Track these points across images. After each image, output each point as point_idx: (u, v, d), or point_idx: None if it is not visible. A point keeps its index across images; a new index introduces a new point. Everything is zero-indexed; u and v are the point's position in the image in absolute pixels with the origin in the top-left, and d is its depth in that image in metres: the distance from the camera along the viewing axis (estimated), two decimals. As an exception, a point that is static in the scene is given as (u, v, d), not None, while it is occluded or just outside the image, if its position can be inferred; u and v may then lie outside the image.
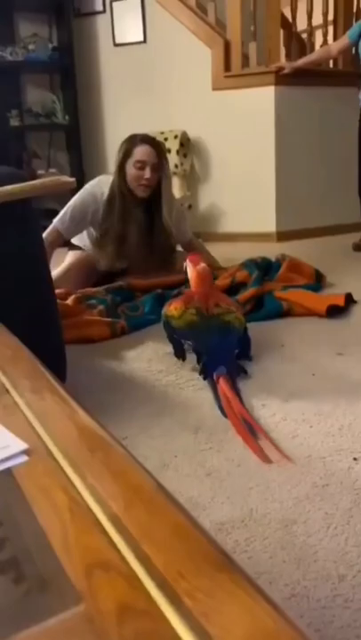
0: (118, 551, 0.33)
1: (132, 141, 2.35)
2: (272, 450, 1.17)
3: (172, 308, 1.67)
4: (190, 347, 1.66)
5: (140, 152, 2.31)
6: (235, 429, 1.27)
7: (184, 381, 1.55)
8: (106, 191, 2.37)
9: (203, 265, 1.74)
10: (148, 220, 2.40)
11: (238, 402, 1.36)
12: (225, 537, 0.92)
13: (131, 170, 2.31)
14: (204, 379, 1.52)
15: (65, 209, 2.41)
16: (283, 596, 0.79)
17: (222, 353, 1.56)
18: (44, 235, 2.36)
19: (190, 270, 1.76)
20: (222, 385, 1.42)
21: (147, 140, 2.36)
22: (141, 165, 2.29)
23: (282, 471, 1.09)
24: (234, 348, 1.61)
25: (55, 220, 2.41)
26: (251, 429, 1.25)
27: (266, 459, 1.14)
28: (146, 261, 2.41)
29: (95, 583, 0.30)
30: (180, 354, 1.69)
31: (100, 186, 2.42)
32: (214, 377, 1.46)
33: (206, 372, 1.52)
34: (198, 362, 1.59)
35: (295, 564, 0.85)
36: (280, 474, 1.08)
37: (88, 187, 2.45)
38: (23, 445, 0.46)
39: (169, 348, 1.74)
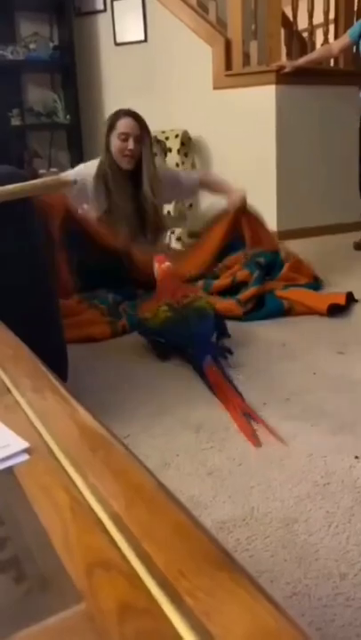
0: (119, 550, 0.33)
1: (116, 115, 2.45)
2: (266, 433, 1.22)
3: (145, 311, 1.72)
4: (171, 344, 1.66)
5: (123, 124, 2.40)
6: (230, 415, 1.31)
7: (185, 381, 1.55)
8: (94, 166, 2.44)
9: (167, 263, 1.87)
10: (137, 193, 2.46)
11: (231, 389, 1.40)
12: (226, 536, 0.92)
13: (115, 142, 2.39)
14: (196, 369, 1.54)
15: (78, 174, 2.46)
16: (284, 595, 0.79)
17: (204, 339, 1.59)
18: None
19: (155, 268, 1.89)
20: (213, 376, 1.45)
21: (129, 113, 2.47)
22: (125, 137, 2.37)
23: (283, 470, 1.09)
24: (213, 332, 1.64)
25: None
26: (245, 414, 1.30)
27: (257, 441, 1.19)
28: (142, 232, 2.47)
29: (96, 582, 0.30)
30: (161, 354, 1.68)
31: (85, 166, 2.50)
32: (204, 368, 1.49)
33: (195, 364, 1.54)
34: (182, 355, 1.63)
35: (296, 562, 0.85)
36: (281, 473, 1.08)
37: (76, 168, 2.53)
38: (24, 444, 0.46)
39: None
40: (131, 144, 2.37)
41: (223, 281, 2.28)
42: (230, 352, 1.60)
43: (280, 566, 0.85)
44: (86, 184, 2.40)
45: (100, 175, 2.41)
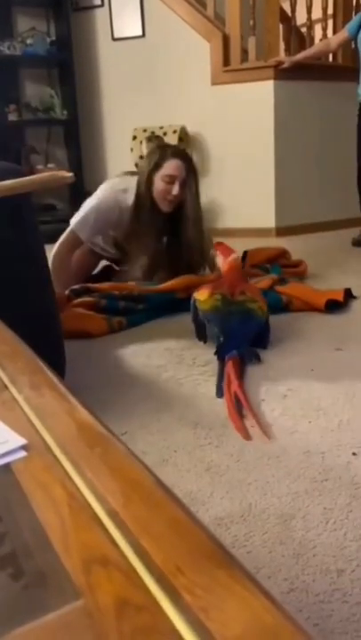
0: (117, 546, 0.33)
1: (164, 153, 2.25)
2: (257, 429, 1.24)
3: (200, 293, 1.76)
4: (213, 330, 1.72)
5: (171, 166, 2.21)
6: (226, 406, 1.34)
7: (183, 377, 1.55)
8: (129, 198, 2.27)
9: (234, 256, 1.87)
10: (172, 234, 2.34)
11: (238, 382, 1.42)
12: (224, 532, 0.92)
13: (158, 183, 2.22)
14: (218, 359, 1.58)
15: (84, 214, 2.31)
16: (281, 591, 0.79)
17: (239, 337, 1.63)
18: (61, 241, 2.32)
19: (221, 260, 1.90)
20: (229, 366, 1.49)
21: (178, 153, 2.28)
22: (170, 180, 2.20)
23: (281, 466, 1.09)
24: (251, 335, 1.69)
25: (73, 224, 2.32)
26: (239, 408, 1.32)
27: (247, 436, 1.22)
28: (172, 272, 2.32)
29: (94, 578, 0.30)
30: (200, 335, 1.79)
31: (120, 191, 2.31)
32: (225, 359, 1.54)
33: (220, 353, 1.59)
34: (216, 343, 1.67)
35: (294, 558, 0.85)
36: (279, 469, 1.09)
37: (108, 191, 2.33)
38: (22, 441, 0.46)
39: (168, 344, 1.74)
40: (176, 189, 2.20)
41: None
42: (259, 359, 1.62)
43: (278, 562, 0.85)
44: (123, 211, 2.25)
45: (137, 208, 2.25)
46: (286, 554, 0.86)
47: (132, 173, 2.43)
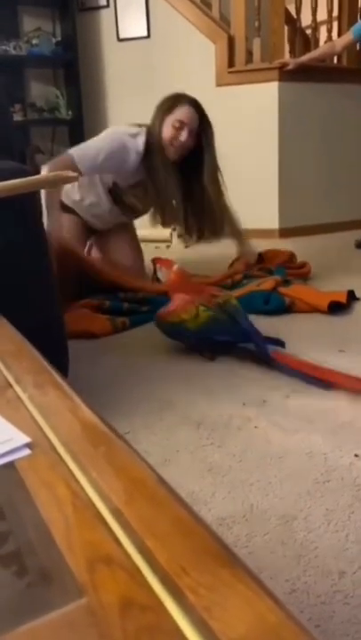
0: (121, 545, 0.33)
1: (177, 99, 2.19)
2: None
3: (179, 314, 1.60)
4: (220, 342, 1.62)
5: (183, 112, 2.16)
6: (333, 382, 1.41)
7: (186, 377, 1.55)
8: (139, 143, 2.18)
9: (176, 266, 1.80)
10: (188, 186, 2.25)
11: (307, 361, 1.48)
12: (226, 532, 0.92)
13: (167, 127, 2.17)
14: (268, 362, 1.54)
15: (89, 149, 2.20)
16: (283, 592, 0.79)
17: (255, 331, 1.60)
18: (54, 167, 2.11)
19: (165, 273, 1.80)
20: (287, 359, 1.50)
21: (192, 101, 2.22)
22: (180, 125, 2.14)
23: (283, 467, 1.09)
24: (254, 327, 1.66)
25: (75, 154, 2.17)
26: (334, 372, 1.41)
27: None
28: (186, 228, 2.32)
29: (97, 577, 0.31)
30: (209, 354, 1.64)
31: (129, 135, 2.23)
32: (272, 356, 1.52)
33: (263, 356, 1.55)
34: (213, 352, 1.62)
35: (296, 559, 0.85)
36: (281, 470, 1.09)
37: (117, 134, 2.24)
38: (26, 439, 0.46)
39: (171, 343, 1.74)
40: (184, 135, 2.15)
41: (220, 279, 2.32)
42: (283, 343, 1.63)
43: (279, 563, 0.85)
44: (131, 156, 2.16)
45: (148, 154, 2.17)
46: (288, 555, 0.86)
47: (138, 125, 2.35)
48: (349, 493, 1.00)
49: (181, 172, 2.26)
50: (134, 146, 2.20)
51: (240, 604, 0.28)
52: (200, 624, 0.27)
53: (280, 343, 1.63)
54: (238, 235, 2.62)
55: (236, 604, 0.28)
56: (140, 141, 2.20)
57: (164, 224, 2.28)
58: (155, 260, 1.86)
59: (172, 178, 2.22)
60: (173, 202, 2.26)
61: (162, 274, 1.83)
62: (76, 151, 2.22)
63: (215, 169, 2.28)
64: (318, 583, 0.81)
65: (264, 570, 0.83)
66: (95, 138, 2.31)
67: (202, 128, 2.20)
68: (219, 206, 2.30)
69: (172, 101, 2.20)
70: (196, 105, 2.22)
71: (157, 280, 1.86)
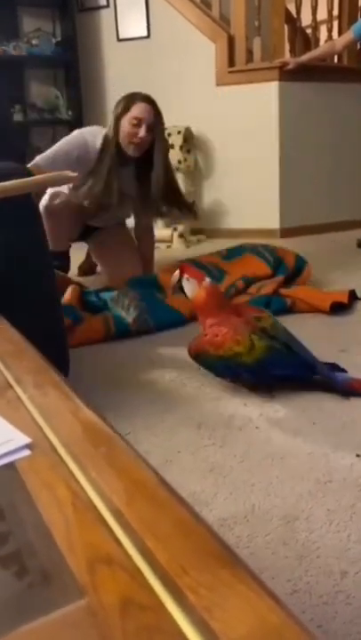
0: (121, 546, 0.33)
1: (132, 98, 2.31)
2: None
3: (231, 346, 1.36)
4: (282, 376, 1.41)
5: (139, 109, 2.26)
6: None
7: (187, 377, 1.55)
8: (97, 141, 2.31)
9: (207, 279, 1.47)
10: (141, 180, 2.36)
11: None
12: (227, 532, 0.92)
13: (125, 126, 2.26)
14: (342, 394, 1.38)
15: (55, 147, 2.33)
16: (285, 592, 0.79)
17: (316, 360, 1.43)
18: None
19: (192, 287, 1.45)
20: (360, 384, 1.38)
21: (146, 98, 2.33)
22: (137, 122, 2.24)
23: (284, 467, 1.09)
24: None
25: (37, 159, 2.31)
26: None
27: None
28: (142, 215, 2.44)
29: (98, 577, 0.30)
30: (268, 389, 1.43)
31: (89, 133, 2.36)
32: (345, 386, 1.38)
33: (336, 387, 1.39)
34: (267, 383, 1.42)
35: (297, 560, 0.85)
36: (283, 470, 1.08)
37: (76, 133, 2.38)
38: (26, 440, 0.46)
39: (172, 344, 1.74)
40: (142, 131, 2.24)
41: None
42: (340, 368, 1.48)
43: (281, 563, 0.85)
44: (89, 152, 2.28)
45: (105, 151, 2.28)
46: (290, 555, 0.86)
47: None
48: (351, 494, 1.00)
49: (137, 165, 2.37)
50: (93, 144, 2.32)
51: (241, 604, 0.28)
52: (200, 624, 0.27)
53: (338, 368, 1.46)
54: (189, 212, 2.75)
55: (237, 604, 0.28)
56: (99, 140, 2.32)
57: (93, 202, 2.34)
58: (182, 268, 1.49)
59: (124, 171, 2.33)
60: (126, 195, 2.36)
61: (189, 287, 1.46)
62: (40, 157, 2.34)
63: (166, 158, 2.38)
64: (320, 583, 0.80)
65: (265, 570, 0.83)
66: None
67: (155, 122, 2.31)
68: (173, 191, 2.41)
69: (128, 100, 2.31)
70: (150, 101, 2.33)
71: (180, 291, 1.49)
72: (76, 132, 2.39)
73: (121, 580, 0.30)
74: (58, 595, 0.30)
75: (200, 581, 0.29)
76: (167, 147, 2.37)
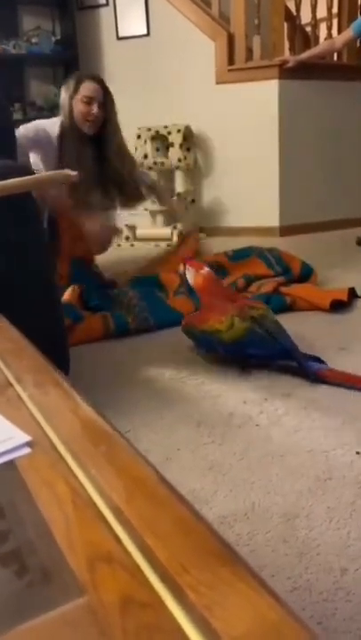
0: (121, 544, 0.33)
1: (79, 78, 2.37)
2: None
3: (213, 323, 1.52)
4: (258, 357, 1.52)
5: (87, 88, 2.34)
6: None
7: (186, 375, 1.55)
8: (55, 127, 2.35)
9: (206, 268, 1.68)
10: (100, 159, 2.41)
11: (351, 373, 1.44)
12: (227, 530, 0.92)
13: (78, 106, 2.33)
14: (312, 380, 1.45)
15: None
16: (285, 589, 0.79)
17: (296, 349, 1.50)
18: None
19: (193, 275, 1.68)
20: (335, 375, 1.44)
21: (93, 77, 2.41)
22: (88, 101, 2.32)
23: (284, 465, 1.09)
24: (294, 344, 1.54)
25: None
26: None
27: None
28: (106, 197, 2.46)
29: (98, 575, 0.30)
30: (244, 366, 1.55)
31: (43, 122, 2.40)
32: (318, 375, 1.44)
33: (308, 373, 1.46)
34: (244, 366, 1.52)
35: (297, 557, 0.85)
36: (282, 467, 1.08)
37: (37, 122, 2.40)
38: (26, 438, 0.46)
39: (172, 342, 1.74)
40: (95, 109, 2.33)
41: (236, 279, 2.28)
42: (321, 360, 1.52)
43: (281, 561, 0.85)
44: (51, 140, 2.33)
45: (63, 136, 2.34)
46: (290, 552, 0.86)
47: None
48: (351, 491, 1.00)
49: (97, 147, 2.42)
50: (52, 129, 2.37)
51: (241, 602, 0.28)
52: (201, 622, 0.27)
53: (318, 360, 1.52)
54: (154, 191, 2.81)
55: (237, 602, 0.28)
56: (57, 125, 2.38)
57: (84, 197, 2.35)
58: (184, 261, 1.76)
59: (86, 151, 2.37)
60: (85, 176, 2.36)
61: (190, 275, 1.69)
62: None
63: (119, 136, 2.45)
64: (320, 581, 0.81)
65: (265, 568, 0.83)
66: None
67: (105, 100, 2.37)
68: (129, 170, 2.46)
69: (75, 81, 2.37)
70: (97, 80, 2.40)
71: (185, 282, 1.75)
72: (34, 123, 2.42)
73: (121, 579, 0.30)
74: (58, 593, 0.30)
75: (200, 579, 0.29)
76: (118, 122, 2.44)
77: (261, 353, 1.52)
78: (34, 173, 1.35)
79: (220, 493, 1.02)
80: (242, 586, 0.29)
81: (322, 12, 3.79)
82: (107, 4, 3.94)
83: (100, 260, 2.56)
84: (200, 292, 1.68)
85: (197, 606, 0.28)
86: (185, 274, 1.71)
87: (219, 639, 0.26)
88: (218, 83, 3.70)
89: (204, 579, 0.29)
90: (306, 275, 2.36)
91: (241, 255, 2.47)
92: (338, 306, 2.03)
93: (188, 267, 1.70)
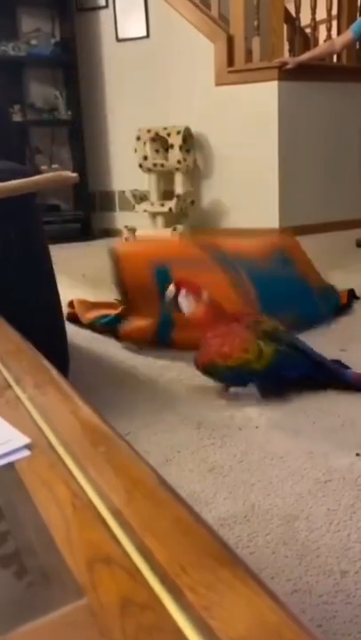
0: (120, 545, 0.33)
1: None
2: None
3: (240, 355, 1.35)
4: (295, 377, 1.41)
5: None
6: None
7: (186, 377, 1.55)
8: None
9: (206, 294, 1.42)
10: None
11: None
12: (227, 532, 0.92)
13: None
14: (356, 389, 1.39)
15: None
16: (285, 592, 0.79)
17: (323, 357, 1.44)
18: None
19: (191, 305, 1.41)
20: None
21: None
22: None
23: (284, 467, 1.09)
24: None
25: None
26: None
27: None
28: None
29: (97, 577, 0.30)
30: (281, 393, 1.41)
31: None
32: (353, 380, 1.40)
33: (345, 381, 1.40)
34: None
35: (297, 559, 0.85)
36: (282, 469, 1.08)
37: None
38: (25, 440, 0.46)
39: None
40: None
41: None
42: (344, 364, 1.47)
43: (281, 563, 0.85)
44: None
45: None
46: (290, 554, 0.86)
47: None
48: (351, 493, 1.00)
49: None
50: None
51: (240, 603, 0.28)
52: (200, 623, 0.27)
53: (341, 364, 1.47)
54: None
55: (237, 603, 0.28)
56: None
57: None
58: (178, 283, 1.43)
59: None
60: None
61: (186, 302, 1.41)
62: None
63: None
64: (320, 583, 0.80)
65: (265, 569, 0.83)
66: None
67: None
68: None
69: None
70: None
71: (176, 306, 1.44)
72: None
73: (120, 580, 0.30)
74: (57, 594, 0.30)
75: (199, 580, 0.29)
76: None
77: (297, 372, 1.40)
78: (29, 176, 1.35)
79: (220, 495, 1.02)
80: (241, 587, 0.29)
81: (321, 13, 3.80)
82: (106, 6, 3.95)
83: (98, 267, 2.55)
84: (202, 324, 1.42)
85: (196, 607, 0.28)
86: (174, 298, 1.42)
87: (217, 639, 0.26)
88: (217, 84, 3.71)
89: (203, 580, 0.29)
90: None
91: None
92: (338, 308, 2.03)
93: (183, 292, 1.41)
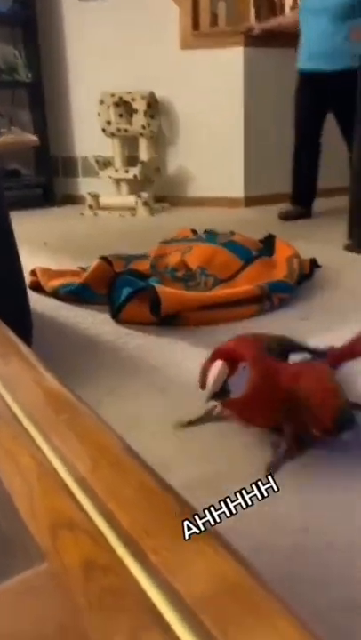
0: (84, 511, 0.33)
1: None
2: None
3: (337, 404, 1.02)
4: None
5: None
6: None
7: (151, 344, 1.55)
8: None
9: (260, 367, 0.99)
10: None
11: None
12: (190, 498, 0.93)
13: None
14: None
15: None
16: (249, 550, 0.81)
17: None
18: None
19: (249, 377, 0.96)
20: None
21: None
22: None
23: (250, 433, 1.11)
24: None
25: None
26: None
27: None
28: None
29: (60, 542, 0.31)
30: None
31: None
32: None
33: None
34: None
35: (259, 518, 0.88)
36: (248, 436, 1.10)
37: None
38: (-13, 409, 0.46)
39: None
40: None
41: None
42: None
43: (243, 523, 0.87)
44: None
45: None
46: (252, 514, 0.89)
47: None
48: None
49: None
50: None
51: (203, 564, 0.29)
52: (163, 585, 0.27)
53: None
54: None
55: (199, 564, 0.29)
56: None
57: None
58: (217, 355, 0.98)
59: None
60: None
61: (245, 377, 0.97)
62: None
63: None
64: (283, 541, 0.83)
65: (230, 530, 0.85)
66: None
67: None
68: None
69: None
70: None
71: (224, 394, 0.96)
72: None
73: (83, 544, 0.30)
74: (19, 560, 0.30)
75: (163, 543, 0.30)
76: None
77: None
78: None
79: (185, 460, 1.03)
80: (205, 548, 0.30)
81: (288, -23, 3.74)
82: None
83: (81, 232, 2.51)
84: (259, 394, 0.99)
85: (160, 569, 0.28)
86: (222, 374, 0.95)
87: (180, 600, 0.26)
88: (182, 48, 3.62)
89: (166, 543, 0.30)
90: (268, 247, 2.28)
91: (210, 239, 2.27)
92: (302, 278, 2.05)
93: (243, 365, 0.97)
